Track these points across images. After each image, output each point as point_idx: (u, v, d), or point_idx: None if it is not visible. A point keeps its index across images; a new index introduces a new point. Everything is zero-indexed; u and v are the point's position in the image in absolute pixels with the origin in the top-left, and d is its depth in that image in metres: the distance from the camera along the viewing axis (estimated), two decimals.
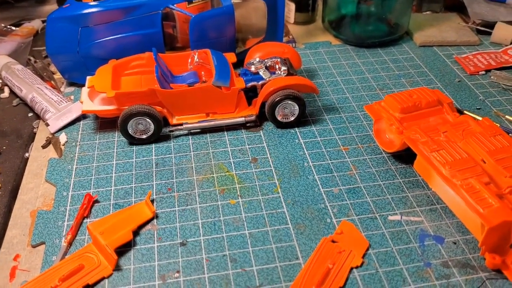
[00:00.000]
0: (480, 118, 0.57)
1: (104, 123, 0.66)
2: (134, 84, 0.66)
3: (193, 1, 0.75)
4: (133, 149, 0.62)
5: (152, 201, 0.54)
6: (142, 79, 0.66)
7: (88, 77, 0.66)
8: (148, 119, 0.61)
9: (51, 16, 0.68)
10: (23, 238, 0.51)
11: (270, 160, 0.60)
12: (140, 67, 0.67)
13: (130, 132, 0.61)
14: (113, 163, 0.60)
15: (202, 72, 0.68)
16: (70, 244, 0.50)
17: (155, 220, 0.52)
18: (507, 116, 0.66)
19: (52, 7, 0.99)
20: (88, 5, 0.68)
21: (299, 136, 0.63)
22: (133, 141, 0.62)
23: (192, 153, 0.61)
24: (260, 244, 0.49)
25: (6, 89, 0.75)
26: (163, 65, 0.66)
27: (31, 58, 0.82)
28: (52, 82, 0.76)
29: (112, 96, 0.60)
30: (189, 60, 0.67)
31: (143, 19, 0.69)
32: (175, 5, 0.70)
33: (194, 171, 0.58)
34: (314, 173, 0.58)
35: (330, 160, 0.60)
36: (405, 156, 0.59)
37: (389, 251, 0.48)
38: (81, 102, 0.64)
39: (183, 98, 0.62)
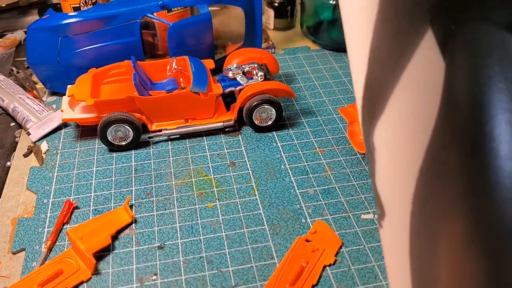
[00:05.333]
0: None
1: (85, 131, 0.67)
2: (114, 92, 0.67)
3: (173, 10, 0.77)
4: (113, 156, 0.63)
5: (131, 206, 0.55)
6: (122, 87, 0.67)
7: (68, 86, 0.67)
8: (127, 126, 0.62)
9: (31, 27, 0.69)
10: (4, 245, 0.52)
11: (248, 164, 0.61)
12: (120, 75, 0.68)
13: (109, 139, 0.62)
14: (93, 170, 0.61)
15: (181, 79, 0.69)
16: (50, 250, 0.51)
17: (133, 225, 0.53)
18: None
19: (34, 18, 1.00)
20: (67, 15, 0.69)
21: (277, 140, 0.65)
22: (112, 148, 0.63)
23: (171, 158, 0.62)
24: (237, 245, 0.50)
25: None
26: (142, 72, 0.68)
27: (14, 68, 0.83)
28: (35, 92, 0.77)
29: (91, 104, 0.61)
30: (168, 67, 0.69)
31: (122, 28, 0.70)
32: (154, 13, 0.71)
33: (173, 176, 0.59)
34: (291, 175, 0.59)
35: (306, 162, 0.61)
36: None
37: (362, 249, 0.50)
38: (62, 111, 0.65)
39: (162, 104, 0.63)
